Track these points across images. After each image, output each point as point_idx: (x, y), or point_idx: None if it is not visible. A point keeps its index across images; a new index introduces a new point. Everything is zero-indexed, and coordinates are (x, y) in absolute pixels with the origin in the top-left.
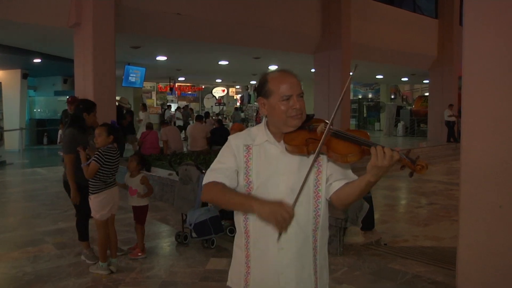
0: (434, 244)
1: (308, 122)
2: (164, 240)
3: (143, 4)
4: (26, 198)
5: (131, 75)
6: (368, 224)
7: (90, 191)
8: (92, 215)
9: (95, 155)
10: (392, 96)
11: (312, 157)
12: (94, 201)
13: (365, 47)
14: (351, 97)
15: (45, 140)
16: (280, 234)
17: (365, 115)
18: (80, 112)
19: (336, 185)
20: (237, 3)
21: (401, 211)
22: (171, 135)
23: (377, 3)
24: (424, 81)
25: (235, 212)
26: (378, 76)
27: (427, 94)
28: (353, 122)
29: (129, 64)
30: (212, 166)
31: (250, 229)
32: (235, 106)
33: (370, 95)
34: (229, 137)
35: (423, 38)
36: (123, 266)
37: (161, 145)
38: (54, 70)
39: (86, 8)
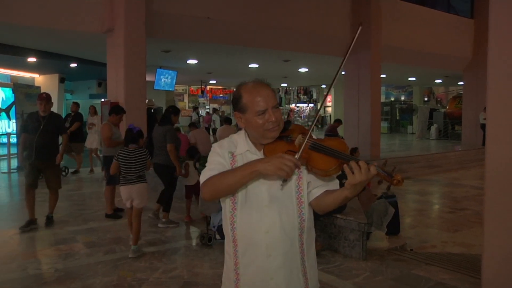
0: (463, 251)
1: (286, 131)
2: (188, 241)
3: (173, 10)
4: (60, 198)
5: (162, 78)
6: (393, 228)
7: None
8: None
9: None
10: (426, 99)
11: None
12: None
13: (396, 49)
14: (383, 100)
15: None
16: (284, 181)
17: (397, 118)
18: (170, 114)
19: (316, 192)
20: (266, 7)
21: (431, 216)
22: (200, 138)
23: (409, 4)
24: (459, 83)
25: (223, 220)
26: (411, 78)
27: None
28: (385, 125)
29: (160, 68)
30: (205, 169)
31: (237, 237)
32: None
33: (402, 98)
34: (213, 145)
35: (457, 39)
36: (148, 266)
37: None
38: (89, 74)
39: (118, 14)
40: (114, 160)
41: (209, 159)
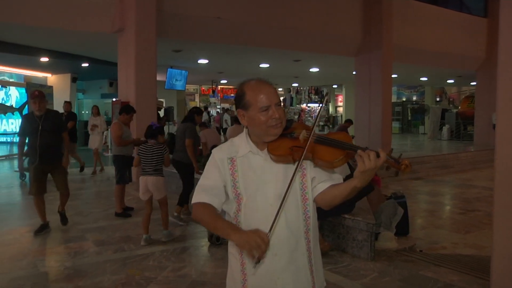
0: (474, 253)
1: (289, 129)
2: (197, 240)
3: (183, 9)
4: (70, 197)
5: (173, 78)
6: (402, 229)
7: None
8: None
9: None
10: (438, 99)
11: (297, 164)
12: None
13: (408, 49)
14: (395, 100)
15: None
16: (257, 262)
17: (409, 118)
18: (193, 114)
19: (321, 187)
20: (277, 7)
21: (442, 217)
22: (210, 138)
23: (420, 3)
24: (472, 83)
25: (227, 220)
26: (422, 78)
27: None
28: (396, 125)
29: (171, 68)
30: (200, 182)
31: None
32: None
33: (414, 98)
34: (212, 151)
35: (470, 38)
36: (156, 264)
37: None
38: (100, 74)
39: (129, 14)
40: (136, 155)
41: (206, 168)
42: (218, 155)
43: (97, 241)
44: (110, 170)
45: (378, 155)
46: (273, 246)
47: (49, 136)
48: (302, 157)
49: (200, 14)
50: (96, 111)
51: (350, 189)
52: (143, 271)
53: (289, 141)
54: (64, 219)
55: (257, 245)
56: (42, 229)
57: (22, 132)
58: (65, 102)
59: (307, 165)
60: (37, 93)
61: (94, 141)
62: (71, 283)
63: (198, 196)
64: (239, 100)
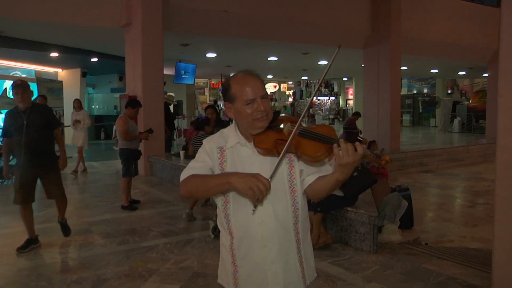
0: (481, 246)
1: (276, 121)
2: (201, 233)
3: (190, 3)
4: (79, 190)
5: (182, 72)
6: (406, 222)
7: None
8: None
9: None
10: (449, 91)
11: (279, 158)
12: None
13: (417, 41)
14: (405, 92)
15: (102, 135)
16: (255, 206)
17: (420, 111)
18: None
19: (309, 180)
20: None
21: (450, 210)
22: None
23: None
24: (484, 75)
25: (217, 213)
26: (433, 71)
27: (485, 88)
28: (407, 118)
29: (180, 62)
30: (189, 164)
31: (233, 230)
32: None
33: (425, 90)
34: (203, 141)
35: (481, 29)
36: (159, 257)
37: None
38: (110, 68)
39: (135, 9)
40: (190, 145)
41: (197, 154)
42: (209, 144)
43: (103, 234)
44: (118, 163)
45: (356, 149)
46: (262, 237)
47: (37, 133)
48: (284, 151)
49: (207, 7)
50: (78, 105)
51: (333, 182)
52: (146, 263)
53: (274, 134)
54: (66, 230)
55: (259, 189)
56: (28, 245)
57: (5, 132)
58: (40, 96)
59: (294, 156)
60: (20, 83)
61: (78, 138)
62: (75, 275)
63: (186, 173)
64: (226, 93)
